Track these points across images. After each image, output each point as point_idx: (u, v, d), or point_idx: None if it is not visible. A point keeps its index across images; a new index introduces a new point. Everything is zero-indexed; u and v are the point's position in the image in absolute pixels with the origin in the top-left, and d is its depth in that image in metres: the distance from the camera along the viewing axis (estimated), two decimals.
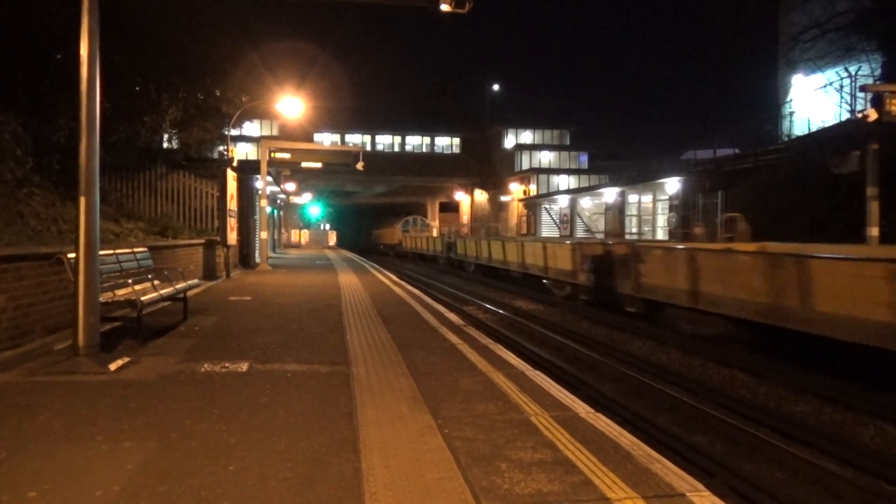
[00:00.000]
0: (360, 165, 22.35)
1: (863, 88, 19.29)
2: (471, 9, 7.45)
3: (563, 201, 48.92)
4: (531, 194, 57.02)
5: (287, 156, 23.36)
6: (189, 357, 7.30)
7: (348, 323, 10.05)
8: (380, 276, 20.77)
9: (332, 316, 10.86)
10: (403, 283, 18.23)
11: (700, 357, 11.98)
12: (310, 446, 4.36)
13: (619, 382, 10.42)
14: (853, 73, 29.89)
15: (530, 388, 5.95)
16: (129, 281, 9.04)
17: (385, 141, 68.62)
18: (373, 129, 67.63)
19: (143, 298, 8.08)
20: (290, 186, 43.91)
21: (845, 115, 27.09)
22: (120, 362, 6.86)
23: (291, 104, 23.35)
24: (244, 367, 6.83)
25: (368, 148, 64.81)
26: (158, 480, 3.71)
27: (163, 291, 9.20)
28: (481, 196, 68.38)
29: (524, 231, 56.00)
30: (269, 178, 25.45)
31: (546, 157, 63.49)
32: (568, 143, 66.43)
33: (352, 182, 66.83)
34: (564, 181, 58.47)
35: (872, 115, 17.08)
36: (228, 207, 18.50)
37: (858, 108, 25.35)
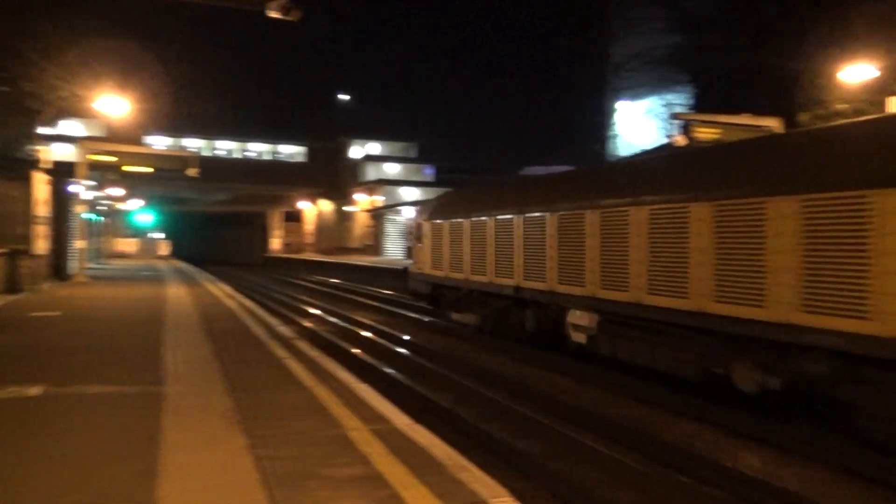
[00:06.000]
0: (192, 171, 21.16)
1: (673, 116, 21.28)
2: (299, 17, 7.30)
3: (408, 213, 49.50)
4: (378, 206, 57.17)
5: (111, 159, 21.62)
6: None
7: (168, 339, 9.40)
8: (211, 289, 19.75)
9: (152, 332, 10.11)
10: (237, 296, 17.45)
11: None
12: (103, 476, 3.99)
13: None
14: (669, 101, 32.81)
15: (353, 401, 5.87)
16: None
17: (226, 147, 65.76)
18: (212, 134, 64.54)
19: None
20: (118, 192, 40.71)
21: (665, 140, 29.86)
22: None
23: (115, 103, 21.60)
24: (37, 391, 6.13)
25: (207, 153, 61.74)
26: None
27: None
28: (327, 206, 67.49)
29: (369, 242, 55.98)
30: (91, 183, 23.42)
31: (393, 169, 63.96)
32: (415, 155, 67.43)
33: (189, 189, 63.23)
34: (411, 193, 59.22)
35: (681, 141, 18.88)
36: (37, 213, 16.74)
37: (675, 133, 28.00)
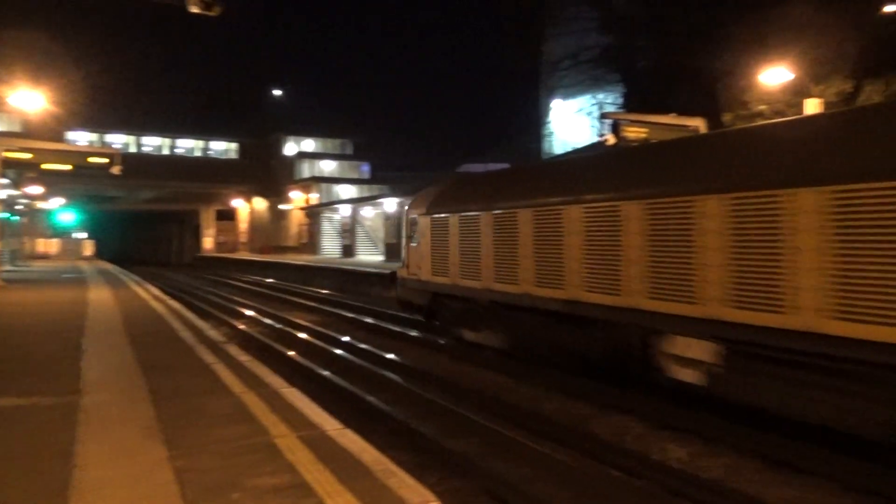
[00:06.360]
0: (115, 169, 20.30)
1: (603, 116, 21.69)
2: (220, 12, 7.07)
3: (344, 211, 49.00)
4: (313, 203, 56.36)
5: (27, 156, 20.51)
6: None
7: (89, 345, 8.98)
8: (138, 291, 19.03)
9: (71, 338, 9.63)
10: (165, 299, 16.86)
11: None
12: (10, 495, 3.76)
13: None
14: (602, 100, 33.34)
15: (282, 407, 5.72)
16: None
17: (153, 143, 63.48)
18: (139, 129, 62.20)
19: None
20: (37, 190, 38.79)
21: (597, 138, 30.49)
22: None
23: (30, 97, 20.52)
24: None
25: (134, 150, 59.55)
26: None
27: None
28: (261, 204, 66.12)
29: (305, 240, 55.13)
30: (5, 181, 22.21)
31: (328, 166, 63.15)
32: (351, 152, 66.77)
33: (115, 187, 60.71)
34: (347, 191, 58.62)
35: (611, 140, 19.31)
36: None
37: (606, 132, 28.72)
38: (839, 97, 19.55)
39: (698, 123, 17.64)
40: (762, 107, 20.37)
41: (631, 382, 8.98)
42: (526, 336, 10.81)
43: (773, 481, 6.41)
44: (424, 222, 13.41)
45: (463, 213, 11.94)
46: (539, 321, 10.17)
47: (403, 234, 14.82)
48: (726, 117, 21.53)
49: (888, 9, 19.73)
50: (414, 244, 14.00)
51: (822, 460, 6.62)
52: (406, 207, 14.79)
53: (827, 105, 16.63)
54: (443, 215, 12.66)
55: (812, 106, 15.22)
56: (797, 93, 18.17)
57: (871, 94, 19.46)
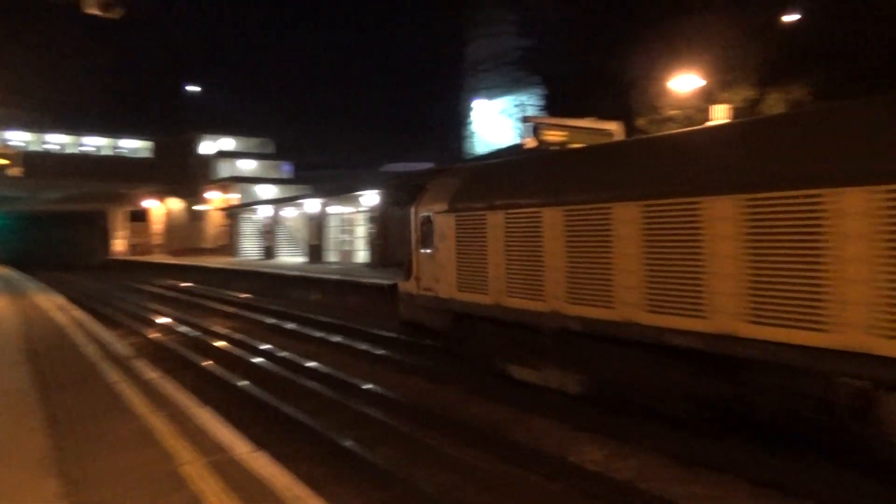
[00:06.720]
0: (15, 171, 19.09)
1: (524, 119, 21.95)
2: (121, 15, 6.68)
3: (265, 212, 47.87)
4: (232, 203, 54.75)
5: None
6: None
7: None
8: (39, 300, 17.92)
9: None
10: (70, 308, 15.94)
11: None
12: None
13: None
14: (523, 102, 33.81)
15: (191, 429, 5.47)
16: None
17: (58, 141, 60.10)
18: (41, 127, 58.70)
19: None
20: None
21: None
22: None
23: None
24: None
25: (36, 148, 56.22)
26: None
27: None
28: (177, 205, 63.73)
29: (224, 242, 53.50)
30: None
31: (248, 166, 61.53)
32: (272, 151, 65.27)
33: (16, 187, 57.13)
34: (268, 191, 57.25)
35: (530, 143, 19.57)
36: None
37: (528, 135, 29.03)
38: (746, 104, 20.52)
39: (615, 127, 18.13)
40: (674, 112, 21.17)
41: (825, 453, 6.51)
42: (625, 379, 8.09)
43: (682, 479, 6.63)
44: (445, 222, 10.60)
45: (513, 210, 9.16)
46: (652, 360, 7.57)
47: (413, 237, 11.83)
48: (640, 121, 22.25)
49: (786, 18, 20.87)
50: (427, 251, 11.19)
51: (729, 457, 6.90)
52: (414, 205, 11.74)
53: (735, 111, 17.41)
54: (477, 213, 9.83)
55: (719, 111, 15.89)
56: (706, 98, 18.96)
57: (775, 101, 20.52)
